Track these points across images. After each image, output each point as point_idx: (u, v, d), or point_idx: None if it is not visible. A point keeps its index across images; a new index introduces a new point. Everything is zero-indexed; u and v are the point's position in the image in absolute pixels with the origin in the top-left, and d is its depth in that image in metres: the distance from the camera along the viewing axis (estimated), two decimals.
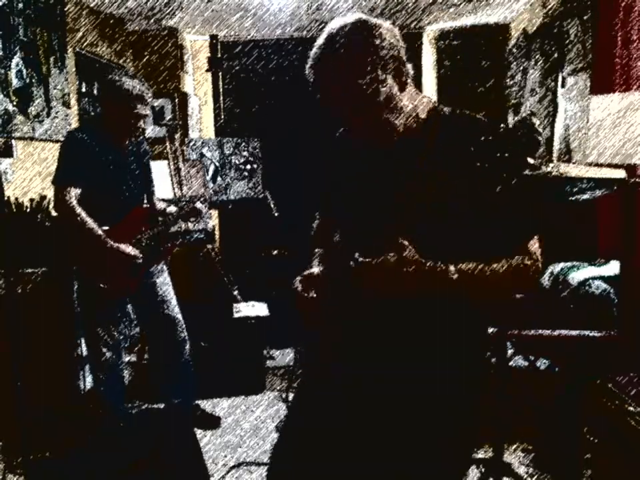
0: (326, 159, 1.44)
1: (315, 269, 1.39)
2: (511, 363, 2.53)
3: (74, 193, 2.46)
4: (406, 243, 1.09)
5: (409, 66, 1.21)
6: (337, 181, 1.39)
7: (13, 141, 3.10)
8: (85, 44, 3.97)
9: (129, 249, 2.52)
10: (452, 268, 1.11)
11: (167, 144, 3.49)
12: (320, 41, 1.19)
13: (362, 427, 1.26)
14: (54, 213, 2.70)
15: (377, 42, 1.14)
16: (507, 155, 1.09)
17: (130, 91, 2.46)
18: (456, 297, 1.14)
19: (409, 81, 1.21)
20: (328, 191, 1.47)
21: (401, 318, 1.18)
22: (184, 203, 2.78)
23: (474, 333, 1.26)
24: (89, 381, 2.94)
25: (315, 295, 1.31)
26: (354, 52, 1.14)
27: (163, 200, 2.95)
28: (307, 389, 1.44)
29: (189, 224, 3.26)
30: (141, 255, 2.56)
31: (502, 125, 1.09)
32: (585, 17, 3.30)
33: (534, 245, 1.19)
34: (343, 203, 1.36)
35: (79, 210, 2.46)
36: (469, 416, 1.26)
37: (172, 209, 2.80)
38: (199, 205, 2.73)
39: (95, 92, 4.01)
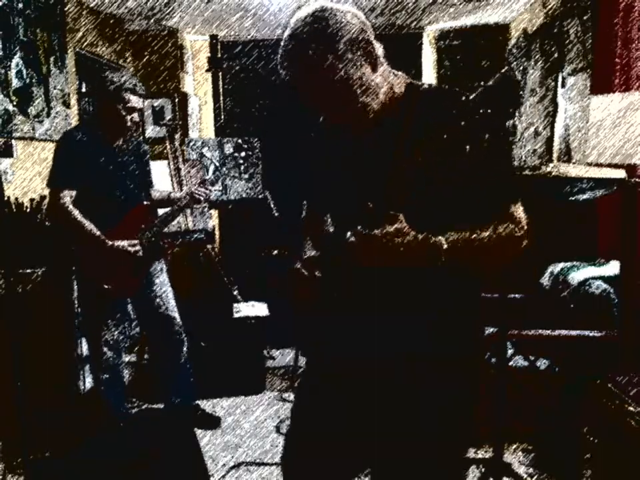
0: (309, 147, 1.45)
1: (309, 253, 1.40)
2: (511, 363, 2.53)
3: (68, 195, 2.46)
4: (398, 215, 1.10)
5: (378, 45, 1.22)
6: (322, 168, 1.40)
7: (13, 141, 3.10)
8: (85, 44, 3.97)
9: (128, 244, 2.52)
10: (442, 238, 1.12)
11: (167, 144, 3.49)
12: (286, 34, 1.19)
13: (362, 411, 1.28)
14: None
15: (340, 27, 1.14)
16: (488, 110, 1.11)
17: (119, 83, 2.46)
18: (447, 267, 1.15)
19: (380, 60, 1.21)
20: (314, 179, 1.48)
21: (394, 293, 1.19)
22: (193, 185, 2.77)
23: (467, 305, 1.27)
24: (88, 381, 2.94)
25: (311, 277, 1.32)
26: (321, 41, 1.14)
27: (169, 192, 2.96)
28: (309, 379, 1.46)
29: (189, 223, 3.25)
30: (140, 248, 2.56)
31: (482, 84, 1.11)
32: (585, 17, 3.30)
33: (518, 211, 1.20)
34: (330, 188, 1.37)
35: (74, 212, 2.45)
36: (466, 399, 1.27)
37: (178, 194, 2.80)
38: (207, 186, 2.72)
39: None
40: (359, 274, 1.19)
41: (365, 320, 1.24)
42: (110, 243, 2.48)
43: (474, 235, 1.14)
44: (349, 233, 1.12)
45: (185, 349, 2.84)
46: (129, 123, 2.53)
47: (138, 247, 2.56)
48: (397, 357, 1.22)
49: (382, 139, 1.22)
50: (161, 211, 2.80)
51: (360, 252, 1.11)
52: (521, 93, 4.40)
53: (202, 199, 2.72)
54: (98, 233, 2.47)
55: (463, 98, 1.19)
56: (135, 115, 2.54)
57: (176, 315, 2.81)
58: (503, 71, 1.10)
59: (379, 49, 1.22)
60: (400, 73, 1.29)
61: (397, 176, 1.16)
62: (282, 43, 1.19)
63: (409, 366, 1.22)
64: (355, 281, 1.23)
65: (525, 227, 1.19)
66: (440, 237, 1.12)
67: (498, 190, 1.18)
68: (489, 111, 1.13)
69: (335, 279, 1.29)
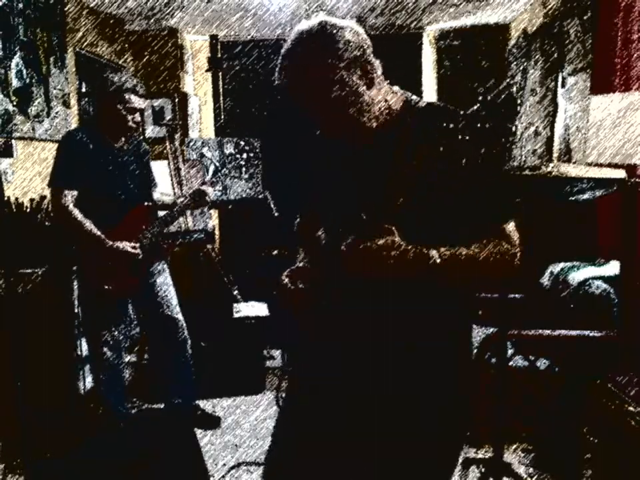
0: (309, 152, 1.46)
1: (301, 263, 1.41)
2: (511, 363, 2.53)
3: (70, 195, 2.46)
4: (392, 227, 1.12)
5: (377, 62, 1.23)
6: (320, 176, 1.40)
7: (13, 141, 3.10)
8: (85, 44, 3.97)
9: (128, 246, 2.53)
10: (434, 252, 1.13)
11: (167, 144, 3.49)
12: (285, 47, 1.20)
13: (353, 414, 1.28)
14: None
15: (339, 45, 1.15)
16: (485, 125, 1.15)
17: (120, 83, 2.46)
18: (438, 281, 1.16)
19: (376, 76, 1.22)
20: (311, 186, 1.48)
21: (386, 300, 1.19)
22: (191, 189, 2.77)
23: (456, 307, 1.28)
24: (88, 381, 2.94)
25: (302, 287, 1.32)
26: (316, 58, 1.15)
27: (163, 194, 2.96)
28: (298, 385, 1.46)
29: (189, 223, 3.25)
30: (140, 251, 2.56)
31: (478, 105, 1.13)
32: (585, 17, 3.30)
33: (511, 230, 1.21)
34: (325, 198, 1.38)
35: (75, 212, 2.46)
36: (459, 402, 1.28)
37: (180, 199, 2.81)
38: (203, 187, 2.72)
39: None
40: (347, 281, 1.19)
41: (353, 325, 1.25)
42: (110, 243, 2.48)
43: (466, 252, 1.15)
44: (342, 244, 1.13)
45: (187, 348, 2.84)
46: (130, 123, 2.53)
47: (138, 249, 2.56)
48: (386, 359, 1.23)
49: (378, 152, 1.23)
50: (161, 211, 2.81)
51: (351, 262, 1.12)
52: (519, 103, 4.40)
53: (208, 201, 2.72)
54: (98, 233, 2.47)
55: (459, 115, 1.20)
56: (136, 116, 2.54)
57: (178, 314, 2.81)
58: (501, 87, 1.13)
59: (378, 67, 1.23)
60: (398, 89, 1.30)
61: (392, 189, 1.17)
62: (281, 54, 1.20)
63: (397, 367, 1.22)
64: (344, 286, 1.23)
65: (518, 246, 1.20)
66: (433, 251, 1.13)
67: (492, 208, 1.19)
68: (486, 126, 1.16)
69: (324, 287, 1.29)
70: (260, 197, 3.96)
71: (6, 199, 2.70)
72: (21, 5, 3.20)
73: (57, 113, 3.54)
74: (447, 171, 1.15)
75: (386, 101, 1.25)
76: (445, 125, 1.18)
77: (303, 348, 1.44)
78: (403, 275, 1.13)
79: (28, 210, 2.92)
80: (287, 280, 1.34)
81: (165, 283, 2.79)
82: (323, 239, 1.40)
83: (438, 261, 1.13)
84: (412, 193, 1.16)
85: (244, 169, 3.98)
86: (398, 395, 1.23)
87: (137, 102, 2.51)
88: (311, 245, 1.46)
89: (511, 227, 1.21)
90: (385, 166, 1.20)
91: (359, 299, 1.22)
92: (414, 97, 1.30)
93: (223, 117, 4.64)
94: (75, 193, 2.48)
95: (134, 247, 2.55)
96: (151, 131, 4.73)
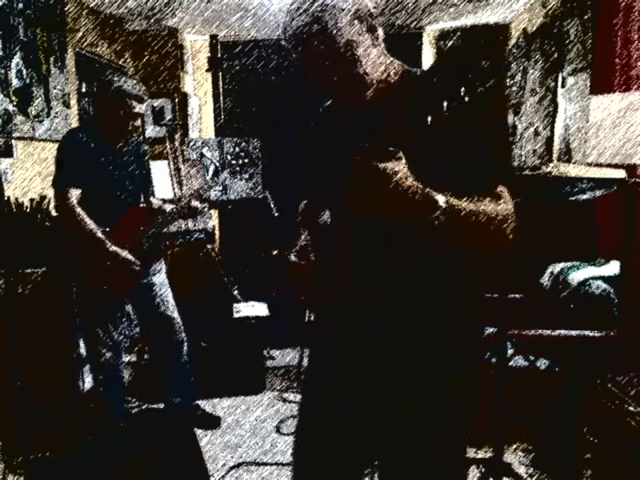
0: (308, 138, 1.45)
1: (301, 242, 1.41)
2: (511, 363, 2.53)
3: (75, 195, 2.46)
4: (400, 152, 1.05)
5: (377, 21, 1.23)
6: (320, 157, 1.40)
7: (13, 141, 3.10)
8: (85, 44, 3.97)
9: (128, 255, 2.51)
10: (440, 196, 1.08)
11: (167, 144, 3.49)
12: (291, 9, 1.22)
13: (366, 401, 1.29)
14: (54, 213, 2.70)
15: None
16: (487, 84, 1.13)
17: (123, 88, 2.46)
18: (440, 233, 1.10)
19: (380, 35, 1.23)
20: (312, 169, 1.48)
21: (392, 274, 1.20)
22: (181, 201, 2.76)
23: (464, 288, 1.28)
24: (88, 381, 2.94)
25: (307, 262, 1.33)
26: (328, 11, 1.16)
27: (163, 200, 2.95)
28: (313, 374, 1.47)
29: (189, 223, 3.26)
30: (139, 263, 2.54)
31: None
32: (585, 17, 3.30)
33: (505, 192, 1.18)
34: (327, 178, 1.36)
35: (80, 212, 2.45)
36: (466, 374, 1.28)
37: (168, 206, 2.80)
38: (195, 203, 2.72)
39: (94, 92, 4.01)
40: (357, 260, 1.19)
41: (362, 308, 1.26)
42: (112, 248, 2.47)
43: (471, 204, 1.11)
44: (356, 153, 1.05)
45: (185, 348, 2.85)
46: (130, 128, 2.53)
47: (137, 261, 2.54)
48: (397, 343, 1.23)
49: (379, 122, 1.22)
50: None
51: (361, 179, 1.04)
52: (519, 103, 4.40)
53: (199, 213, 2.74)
54: (101, 235, 2.46)
55: (457, 76, 1.20)
56: (137, 120, 2.54)
57: (176, 314, 2.81)
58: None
59: (379, 26, 1.23)
60: (395, 59, 1.29)
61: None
62: (287, 11, 1.22)
63: (408, 350, 1.23)
64: (353, 267, 1.23)
65: (513, 208, 1.18)
66: (439, 195, 1.07)
67: (485, 169, 1.17)
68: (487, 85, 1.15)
69: (331, 262, 1.30)
70: (260, 196, 3.96)
71: (6, 198, 2.69)
72: (20, 5, 3.20)
73: (56, 113, 3.54)
74: (448, 132, 1.12)
75: (386, 65, 1.25)
76: (445, 87, 1.18)
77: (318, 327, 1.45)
78: (407, 214, 1.07)
79: (28, 210, 2.91)
80: (294, 257, 1.35)
81: (162, 283, 2.79)
82: (327, 221, 1.40)
83: (443, 205, 1.07)
84: (414, 158, 1.10)
85: (244, 169, 3.99)
86: (406, 375, 1.24)
87: (137, 107, 2.51)
88: (315, 225, 1.46)
89: (504, 189, 1.18)
90: (385, 135, 1.18)
91: (364, 280, 1.22)
92: (411, 68, 1.29)
93: (222, 116, 4.64)
94: (79, 191, 2.47)
95: (133, 256, 2.53)
96: (151, 130, 4.73)
